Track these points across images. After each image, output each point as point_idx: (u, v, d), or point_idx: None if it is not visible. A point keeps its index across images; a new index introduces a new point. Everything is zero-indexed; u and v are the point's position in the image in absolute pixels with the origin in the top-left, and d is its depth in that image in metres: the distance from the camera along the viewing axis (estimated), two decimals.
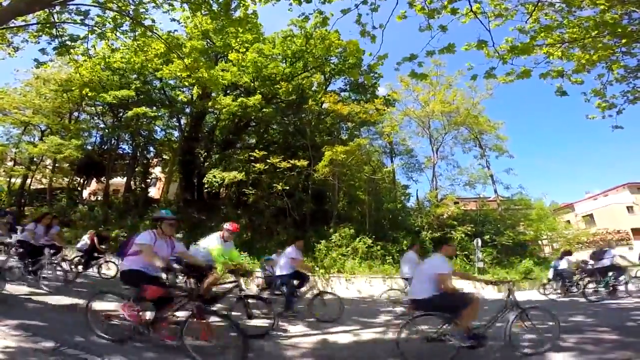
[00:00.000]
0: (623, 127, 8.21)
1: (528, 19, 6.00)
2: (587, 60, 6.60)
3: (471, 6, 5.72)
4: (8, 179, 24.98)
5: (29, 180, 24.37)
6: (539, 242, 19.93)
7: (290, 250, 6.82)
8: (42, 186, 26.27)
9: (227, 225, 5.94)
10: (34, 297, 5.84)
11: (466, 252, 15.66)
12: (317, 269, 13.29)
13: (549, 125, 76.08)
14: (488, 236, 16.45)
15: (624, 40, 6.09)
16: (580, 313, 6.95)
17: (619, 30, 5.78)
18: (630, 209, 33.15)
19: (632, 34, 5.77)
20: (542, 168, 68.17)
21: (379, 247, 15.16)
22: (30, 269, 6.87)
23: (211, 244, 5.67)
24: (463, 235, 16.20)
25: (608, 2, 5.51)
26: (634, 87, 7.68)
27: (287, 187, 17.08)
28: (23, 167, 23.08)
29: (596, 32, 6.00)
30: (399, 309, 7.30)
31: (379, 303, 8.32)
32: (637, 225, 31.11)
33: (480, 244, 15.08)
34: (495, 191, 21.23)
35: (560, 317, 4.50)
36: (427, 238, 16.36)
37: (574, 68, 6.91)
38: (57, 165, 24.27)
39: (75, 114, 24.78)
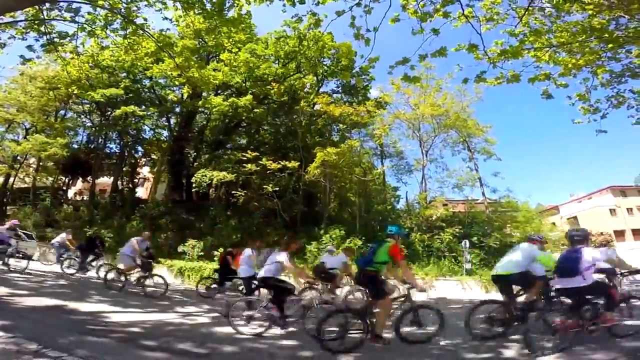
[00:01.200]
0: (607, 131, 8.44)
1: (518, 23, 6.11)
2: (574, 64, 6.75)
3: (463, 10, 5.80)
4: None
5: (11, 179, 23.72)
6: None
7: None
8: (26, 185, 25.54)
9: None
10: (15, 299, 5.67)
11: (454, 254, 15.78)
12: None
13: (536, 127, 77.88)
14: (476, 238, 16.60)
15: (610, 45, 6.26)
16: None
17: (606, 35, 5.95)
18: (612, 211, 34.11)
19: (618, 39, 5.93)
20: (528, 168, 69.75)
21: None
22: None
23: (541, 254, 5.37)
24: (451, 237, 16.30)
25: (596, 8, 5.65)
26: (618, 92, 7.90)
27: (278, 189, 16.99)
28: (6, 165, 22.45)
29: (584, 36, 6.16)
30: None
31: None
32: (619, 227, 32.00)
33: (468, 245, 15.20)
34: (483, 194, 21.49)
35: None
36: (416, 240, 16.43)
37: (561, 72, 7.07)
38: (41, 164, 23.66)
39: (62, 112, 24.29)
